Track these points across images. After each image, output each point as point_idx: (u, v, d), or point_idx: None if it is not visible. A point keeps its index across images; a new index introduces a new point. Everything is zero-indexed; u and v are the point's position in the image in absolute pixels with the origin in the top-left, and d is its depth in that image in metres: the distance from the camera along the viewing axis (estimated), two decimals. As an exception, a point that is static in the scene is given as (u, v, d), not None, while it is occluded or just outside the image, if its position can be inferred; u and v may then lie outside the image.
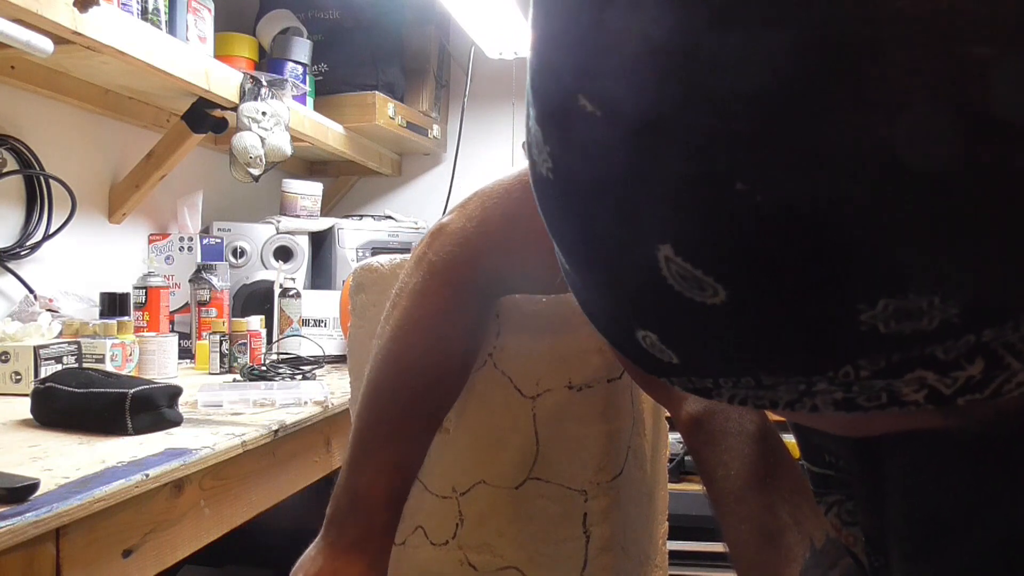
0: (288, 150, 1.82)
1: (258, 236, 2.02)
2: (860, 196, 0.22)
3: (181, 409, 1.09)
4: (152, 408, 1.03)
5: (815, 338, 0.25)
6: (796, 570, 0.50)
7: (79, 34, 1.24)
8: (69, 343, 1.34)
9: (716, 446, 0.57)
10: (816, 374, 0.25)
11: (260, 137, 1.75)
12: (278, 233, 2.05)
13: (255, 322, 1.68)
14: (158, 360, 1.49)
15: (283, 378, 1.51)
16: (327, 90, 2.21)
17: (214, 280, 1.75)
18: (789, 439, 0.58)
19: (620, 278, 0.28)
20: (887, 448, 0.41)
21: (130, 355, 1.44)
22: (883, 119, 0.22)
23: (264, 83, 1.75)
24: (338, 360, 1.77)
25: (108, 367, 1.36)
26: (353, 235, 2.14)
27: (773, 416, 0.58)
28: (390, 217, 2.42)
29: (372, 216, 2.42)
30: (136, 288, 1.64)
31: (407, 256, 0.79)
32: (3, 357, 1.27)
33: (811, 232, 0.23)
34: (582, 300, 0.32)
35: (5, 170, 1.52)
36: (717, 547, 1.86)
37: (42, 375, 1.24)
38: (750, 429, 0.56)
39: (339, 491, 0.68)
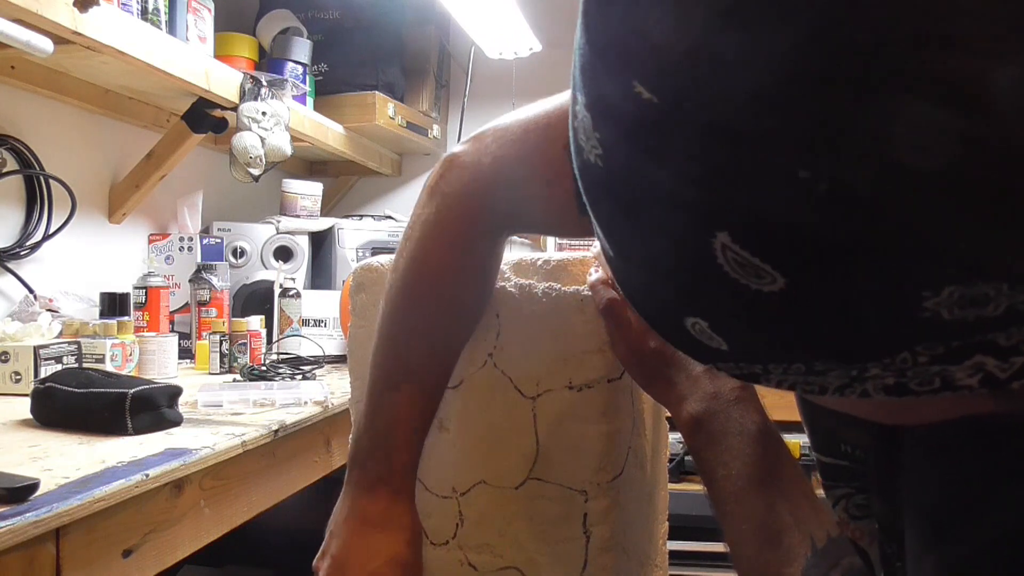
0: (288, 150, 1.82)
1: (258, 236, 2.02)
2: (910, 186, 0.22)
3: (181, 409, 1.09)
4: (152, 408, 1.03)
5: (875, 325, 0.25)
6: (797, 570, 0.50)
7: (79, 34, 1.24)
8: (69, 343, 1.34)
9: (717, 446, 0.57)
10: (872, 360, 0.25)
11: (260, 137, 1.75)
12: (278, 233, 2.05)
13: (255, 322, 1.68)
14: (158, 360, 1.49)
15: (283, 378, 1.51)
16: (327, 90, 2.21)
17: (214, 280, 1.75)
18: (790, 439, 0.57)
19: (672, 265, 0.27)
20: (909, 433, 0.41)
21: (130, 355, 1.44)
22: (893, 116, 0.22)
23: (264, 83, 1.75)
24: (338, 360, 1.77)
25: (108, 367, 1.36)
26: (353, 235, 2.14)
27: (772, 416, 0.58)
28: (390, 217, 2.42)
29: (372, 216, 2.42)
30: (136, 288, 1.64)
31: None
32: (3, 357, 1.27)
33: (877, 220, 0.23)
34: (626, 286, 0.32)
35: (5, 170, 1.52)
36: (717, 547, 1.86)
37: (42, 375, 1.24)
38: (751, 429, 0.56)
39: (359, 432, 0.68)
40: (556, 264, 0.74)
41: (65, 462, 0.85)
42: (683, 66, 0.24)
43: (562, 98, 0.60)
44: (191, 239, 1.86)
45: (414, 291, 0.66)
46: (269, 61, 2.03)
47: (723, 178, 0.24)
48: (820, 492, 0.55)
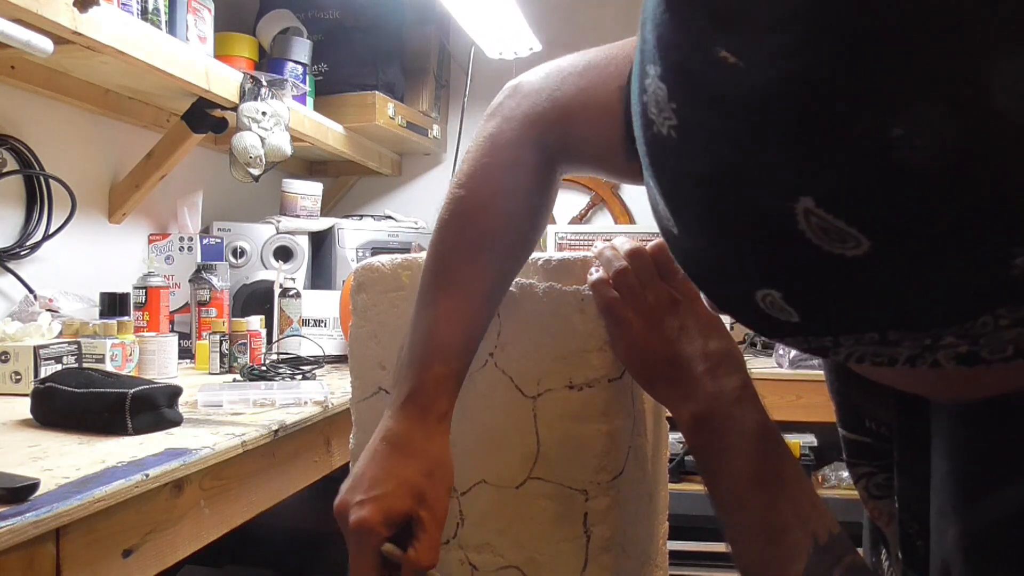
0: (288, 150, 1.82)
1: (258, 236, 2.02)
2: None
3: (181, 409, 1.09)
4: (152, 408, 1.03)
5: (961, 286, 0.24)
6: (800, 567, 0.50)
7: (79, 34, 1.24)
8: (69, 343, 1.34)
9: (718, 446, 0.57)
10: (951, 325, 0.25)
11: (260, 137, 1.75)
12: (278, 233, 2.05)
13: (255, 322, 1.68)
14: (158, 360, 1.49)
15: (283, 378, 1.50)
16: (327, 90, 2.21)
17: (214, 280, 1.74)
18: (790, 439, 0.57)
19: (748, 235, 0.27)
20: (937, 408, 0.41)
21: (130, 355, 1.43)
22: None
23: (264, 83, 1.75)
24: (338, 360, 1.77)
25: (108, 367, 1.36)
26: (353, 235, 2.14)
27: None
28: (390, 217, 2.42)
29: (372, 216, 2.42)
30: (136, 288, 1.64)
31: (407, 256, 0.79)
32: (3, 357, 1.27)
33: (968, 176, 0.23)
34: (688, 261, 0.32)
35: (5, 170, 1.52)
36: (717, 547, 1.86)
37: (42, 375, 1.24)
38: (751, 428, 0.56)
39: (401, 352, 0.66)
40: (557, 263, 0.74)
41: (65, 462, 0.85)
42: (772, 29, 0.24)
43: (623, 45, 0.61)
44: (191, 239, 1.86)
45: (467, 205, 0.65)
46: (269, 61, 2.03)
47: (813, 140, 0.24)
48: (821, 492, 0.55)
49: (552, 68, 0.65)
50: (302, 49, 2.06)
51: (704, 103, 0.27)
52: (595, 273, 0.69)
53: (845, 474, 1.97)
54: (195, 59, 1.57)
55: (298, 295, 1.81)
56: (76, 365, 1.32)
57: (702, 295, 0.34)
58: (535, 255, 0.74)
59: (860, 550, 0.54)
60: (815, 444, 2.03)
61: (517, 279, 0.72)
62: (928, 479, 0.42)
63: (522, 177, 0.65)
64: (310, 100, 2.12)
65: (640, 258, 0.66)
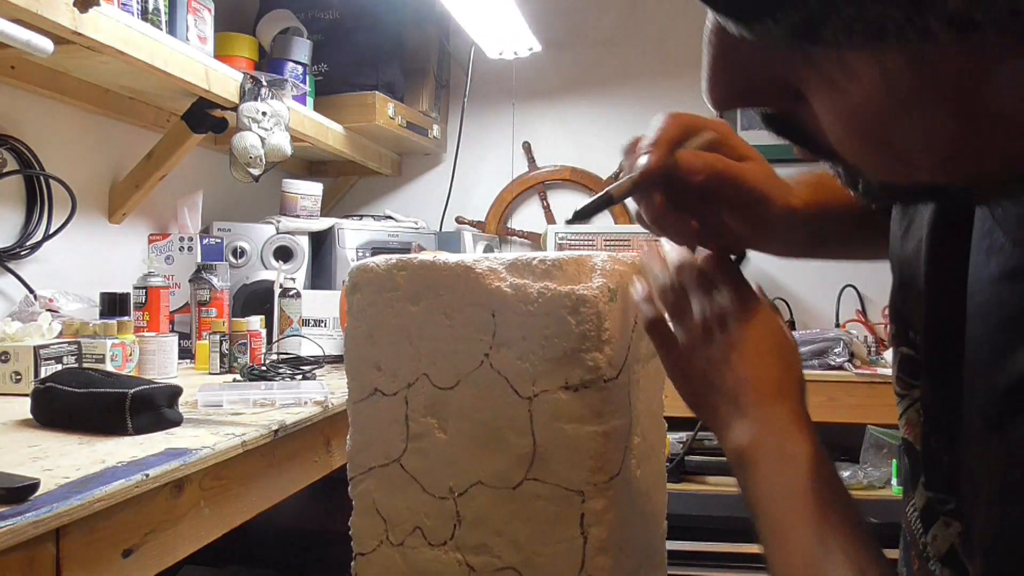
0: (288, 150, 1.82)
1: (258, 236, 2.03)
2: None
3: (181, 409, 1.09)
4: (152, 408, 1.03)
5: None
6: None
7: (79, 34, 1.24)
8: (69, 343, 1.34)
9: (763, 478, 0.54)
10: None
11: (260, 137, 1.75)
12: (278, 233, 2.05)
13: (255, 322, 1.68)
14: (158, 360, 1.49)
15: (283, 378, 1.51)
16: (327, 90, 2.22)
17: (214, 280, 1.75)
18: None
19: None
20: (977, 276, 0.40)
21: (130, 355, 1.44)
22: None
23: (264, 83, 1.75)
24: (338, 360, 1.77)
25: (108, 367, 1.37)
26: (353, 235, 2.15)
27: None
28: (390, 217, 2.42)
29: (372, 216, 2.42)
30: (136, 288, 1.64)
31: (402, 256, 0.79)
32: (3, 357, 1.27)
33: None
34: None
35: (5, 170, 1.52)
36: (717, 547, 1.86)
37: (42, 375, 1.24)
38: (800, 460, 0.53)
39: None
40: (551, 264, 0.74)
41: (65, 462, 0.86)
42: None
43: None
44: (191, 239, 1.86)
45: None
46: (269, 61, 2.04)
47: None
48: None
49: None
50: (302, 49, 2.06)
51: None
52: (639, 287, 0.66)
53: (846, 473, 1.98)
54: (195, 59, 1.57)
55: (298, 295, 1.81)
56: (76, 365, 1.33)
57: None
58: (530, 255, 0.74)
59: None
60: (815, 444, 2.03)
61: (511, 279, 0.72)
62: (957, 388, 0.40)
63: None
64: (310, 100, 2.13)
65: (688, 272, 0.62)
